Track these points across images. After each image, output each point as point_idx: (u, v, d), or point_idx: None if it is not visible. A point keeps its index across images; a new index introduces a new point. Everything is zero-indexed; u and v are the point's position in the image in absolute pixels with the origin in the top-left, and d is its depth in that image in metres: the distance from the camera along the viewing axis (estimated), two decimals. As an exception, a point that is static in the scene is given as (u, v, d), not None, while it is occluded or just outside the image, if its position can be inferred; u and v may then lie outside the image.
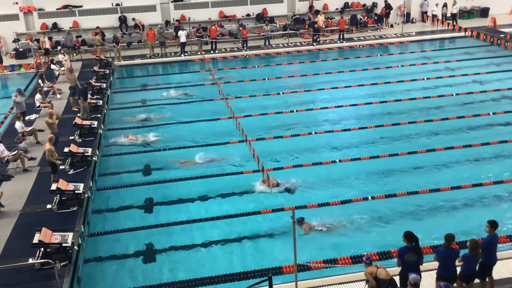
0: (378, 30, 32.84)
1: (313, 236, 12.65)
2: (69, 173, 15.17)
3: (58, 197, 13.37)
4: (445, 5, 33.32)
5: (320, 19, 31.42)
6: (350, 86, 23.28)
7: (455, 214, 13.36)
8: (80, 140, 17.36)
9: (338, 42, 30.81)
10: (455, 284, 9.49)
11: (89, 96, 20.69)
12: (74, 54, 29.28)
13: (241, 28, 30.20)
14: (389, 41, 30.95)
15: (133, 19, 31.22)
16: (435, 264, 9.59)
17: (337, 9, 33.95)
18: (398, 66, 26.12)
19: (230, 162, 16.63)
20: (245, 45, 29.97)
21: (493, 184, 14.37)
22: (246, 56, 29.17)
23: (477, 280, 9.67)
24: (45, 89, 22.53)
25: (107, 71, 25.31)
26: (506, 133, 17.83)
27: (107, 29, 30.61)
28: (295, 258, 9.83)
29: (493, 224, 9.55)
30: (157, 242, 12.74)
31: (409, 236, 9.27)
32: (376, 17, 33.32)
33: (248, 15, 32.80)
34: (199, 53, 28.63)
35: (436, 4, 33.53)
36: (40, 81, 23.32)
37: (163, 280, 11.24)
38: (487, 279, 9.73)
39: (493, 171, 15.22)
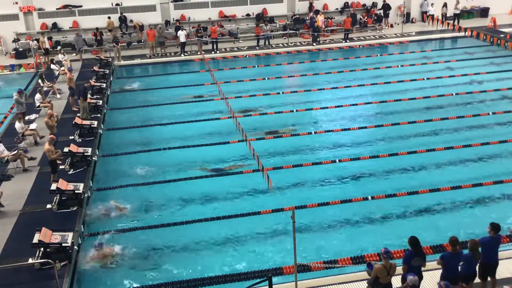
0: (378, 31, 32.78)
1: (313, 236, 12.66)
2: (69, 173, 15.17)
3: (58, 197, 13.37)
4: (445, 5, 33.31)
5: (320, 19, 31.41)
6: (350, 86, 23.28)
7: (455, 214, 13.35)
8: (80, 140, 17.36)
9: (343, 41, 30.80)
10: (456, 285, 9.50)
11: (88, 96, 20.69)
12: (74, 55, 29.27)
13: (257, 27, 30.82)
14: (389, 41, 30.94)
15: (131, 21, 31.22)
16: (435, 264, 9.58)
17: (337, 9, 33.96)
18: (398, 66, 26.13)
19: (230, 162, 16.63)
20: (261, 43, 30.52)
21: (493, 184, 14.35)
22: (246, 56, 29.17)
23: (477, 280, 9.68)
24: (45, 89, 22.54)
25: (107, 71, 25.31)
26: (506, 133, 17.83)
27: (106, 29, 30.65)
28: (295, 258, 9.82)
29: (494, 227, 9.54)
30: (157, 242, 12.72)
31: (414, 241, 9.25)
32: (375, 17, 33.31)
33: (248, 15, 32.79)
34: (199, 53, 28.64)
35: (432, 4, 33.55)
36: (40, 81, 23.33)
37: (163, 280, 11.23)
38: (488, 279, 9.73)
39: (493, 171, 15.21)
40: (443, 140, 17.51)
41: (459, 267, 9.42)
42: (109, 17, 30.53)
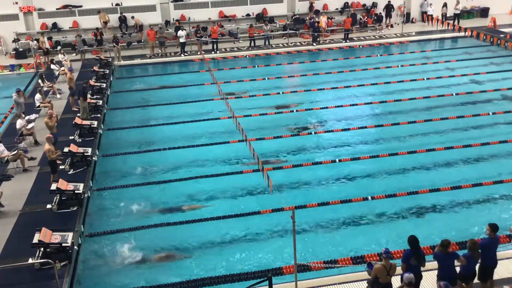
0: (378, 31, 32.77)
1: (313, 236, 12.67)
2: (69, 173, 15.17)
3: (58, 197, 13.37)
4: (445, 5, 33.31)
5: (323, 20, 31.42)
6: (350, 86, 23.28)
7: (455, 214, 13.35)
8: (80, 140, 17.36)
9: (343, 41, 30.79)
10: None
11: (88, 96, 20.68)
12: (74, 55, 29.26)
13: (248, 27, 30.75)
14: (389, 41, 30.95)
15: (132, 17, 31.23)
16: (435, 263, 9.59)
17: (337, 9, 33.96)
18: (398, 66, 26.13)
19: (230, 162, 16.63)
20: (260, 43, 30.57)
21: (493, 184, 14.35)
22: (246, 56, 29.17)
23: (476, 280, 9.68)
24: (45, 89, 22.53)
25: (107, 71, 25.31)
26: (506, 133, 17.82)
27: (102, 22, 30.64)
28: (295, 258, 9.82)
29: (493, 228, 9.52)
30: (156, 242, 12.71)
31: (414, 241, 9.26)
32: (375, 17, 33.31)
33: (248, 15, 32.79)
34: (199, 53, 28.64)
35: (430, 5, 33.56)
36: (40, 81, 23.33)
37: (163, 281, 11.22)
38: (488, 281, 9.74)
39: (493, 171, 15.21)
40: (443, 140, 17.50)
41: (457, 268, 9.42)
42: (98, 11, 30.50)
